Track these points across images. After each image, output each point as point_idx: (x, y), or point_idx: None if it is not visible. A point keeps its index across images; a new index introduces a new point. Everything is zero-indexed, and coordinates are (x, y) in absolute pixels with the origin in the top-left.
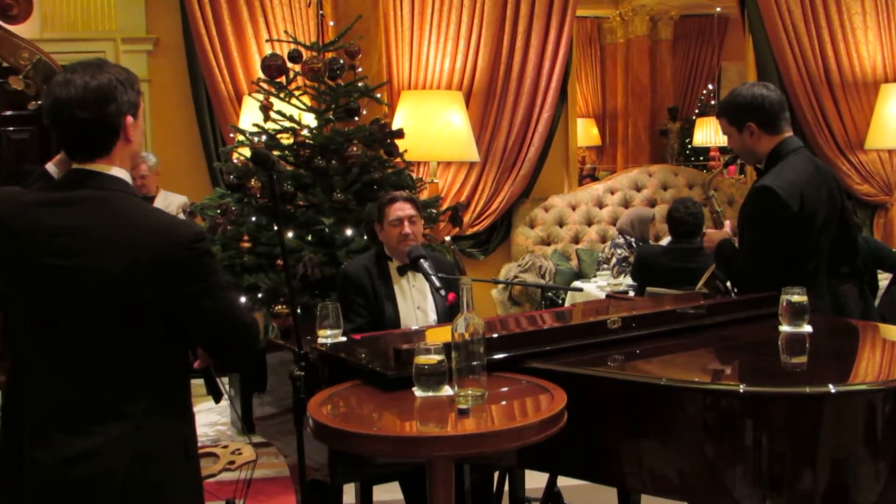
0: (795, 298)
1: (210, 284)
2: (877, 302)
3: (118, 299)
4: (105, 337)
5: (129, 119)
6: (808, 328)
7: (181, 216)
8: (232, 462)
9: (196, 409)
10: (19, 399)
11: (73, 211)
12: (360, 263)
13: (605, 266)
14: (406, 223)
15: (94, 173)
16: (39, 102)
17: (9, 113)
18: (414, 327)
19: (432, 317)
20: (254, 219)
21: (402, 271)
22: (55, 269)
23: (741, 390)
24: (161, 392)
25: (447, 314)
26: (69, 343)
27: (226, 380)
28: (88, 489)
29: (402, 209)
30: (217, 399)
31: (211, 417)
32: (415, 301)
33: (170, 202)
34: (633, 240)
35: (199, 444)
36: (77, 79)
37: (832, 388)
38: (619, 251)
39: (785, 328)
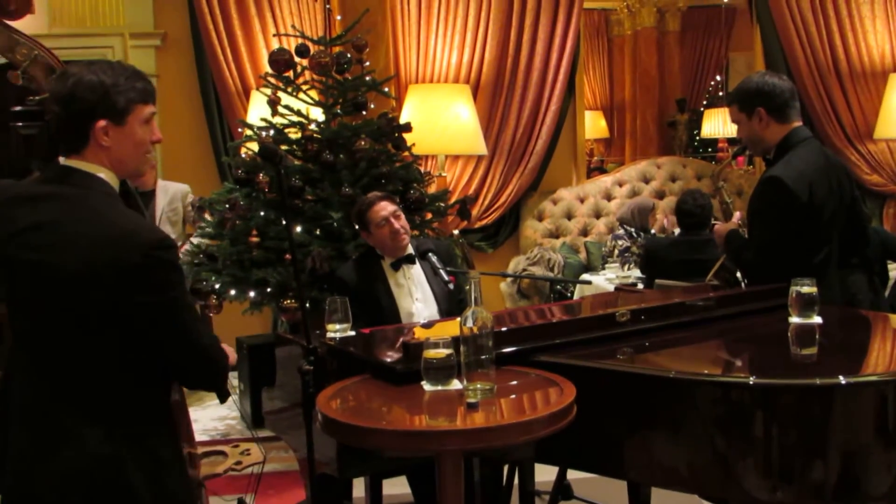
0: (805, 289)
1: (168, 299)
2: (887, 292)
3: (73, 297)
4: (68, 335)
5: (101, 123)
6: (818, 319)
7: (188, 207)
8: (239, 462)
9: (205, 403)
10: (9, 391)
11: (47, 206)
12: (350, 268)
13: (610, 259)
14: (392, 220)
15: (73, 170)
16: (38, 98)
17: (18, 108)
18: (417, 321)
19: (433, 307)
20: (262, 213)
21: (395, 266)
22: (24, 263)
23: (751, 382)
24: (131, 398)
25: (447, 301)
26: (41, 339)
27: (235, 374)
28: (57, 488)
29: (383, 209)
30: (223, 399)
31: (220, 411)
32: (412, 294)
33: (170, 191)
34: (633, 230)
35: (208, 439)
36: (66, 74)
37: (842, 380)
38: (620, 242)
39: (795, 319)
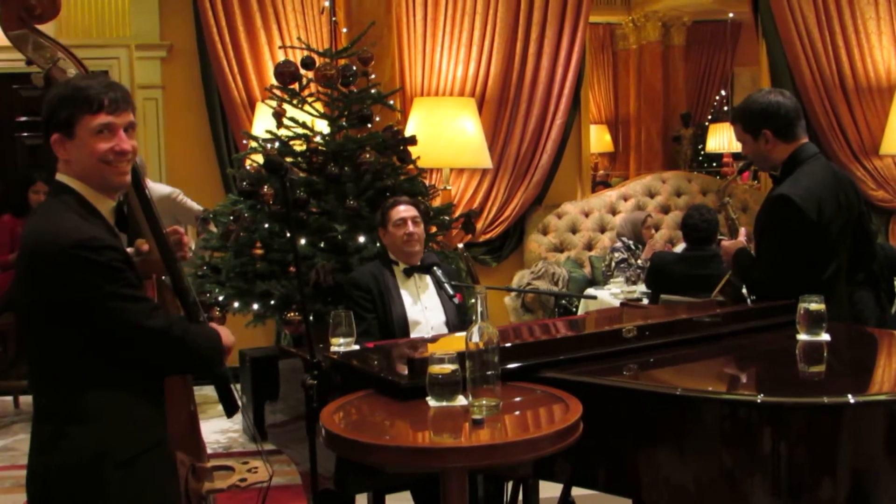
0: (813, 306)
1: (101, 295)
2: (894, 309)
3: (24, 299)
4: (29, 336)
5: (54, 137)
6: (826, 336)
7: (182, 204)
8: (244, 479)
9: (207, 416)
10: None
11: (30, 217)
12: (365, 270)
13: (607, 271)
14: (409, 223)
15: (60, 185)
16: None
17: (23, 119)
18: (421, 327)
19: (441, 317)
20: (266, 225)
21: (408, 273)
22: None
23: (759, 400)
24: (86, 398)
25: (455, 313)
26: (26, 342)
27: (239, 386)
28: (29, 487)
29: (405, 211)
30: (230, 413)
31: (223, 424)
32: (422, 302)
33: (153, 194)
34: (630, 242)
35: (211, 453)
36: None
37: (851, 399)
38: (616, 255)
39: (803, 336)
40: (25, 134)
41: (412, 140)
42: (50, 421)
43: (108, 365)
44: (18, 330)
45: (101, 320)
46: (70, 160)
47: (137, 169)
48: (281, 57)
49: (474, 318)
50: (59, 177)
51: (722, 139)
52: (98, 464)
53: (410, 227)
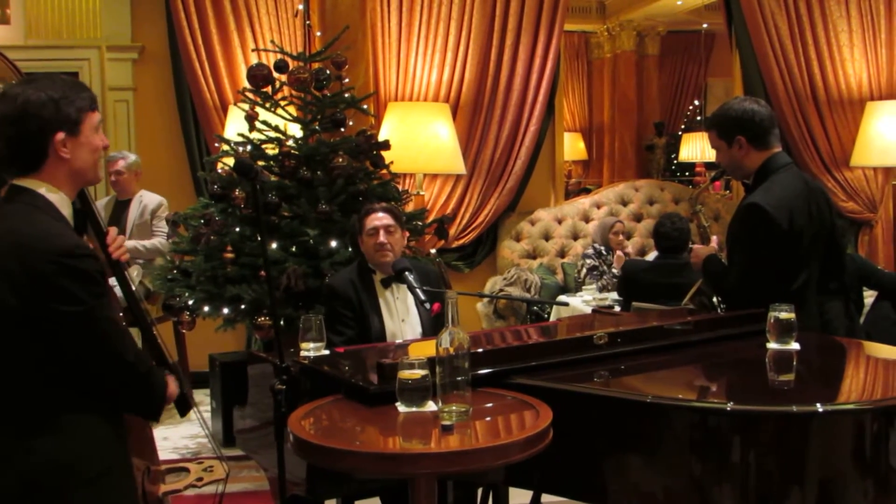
0: (783, 315)
1: (83, 310)
2: (862, 319)
3: None
4: None
5: (60, 136)
6: (795, 345)
7: (161, 221)
8: (200, 479)
9: (176, 420)
10: None
11: None
12: (344, 276)
13: (578, 279)
14: (381, 233)
15: (22, 190)
16: None
17: None
18: (399, 340)
19: (417, 329)
20: (237, 229)
21: (385, 284)
22: None
23: (728, 408)
24: (53, 410)
25: (432, 326)
26: None
27: (207, 391)
28: None
29: (378, 219)
30: (182, 412)
31: (192, 429)
32: (399, 314)
33: (143, 202)
34: (602, 248)
35: (178, 457)
36: (10, 95)
37: (820, 408)
38: (588, 261)
39: (773, 345)
40: None
41: (385, 145)
42: (10, 433)
43: (71, 385)
44: None
45: (76, 338)
46: (70, 159)
47: None
48: (254, 60)
49: (445, 323)
50: (31, 183)
51: (695, 149)
52: (66, 480)
53: (381, 237)
